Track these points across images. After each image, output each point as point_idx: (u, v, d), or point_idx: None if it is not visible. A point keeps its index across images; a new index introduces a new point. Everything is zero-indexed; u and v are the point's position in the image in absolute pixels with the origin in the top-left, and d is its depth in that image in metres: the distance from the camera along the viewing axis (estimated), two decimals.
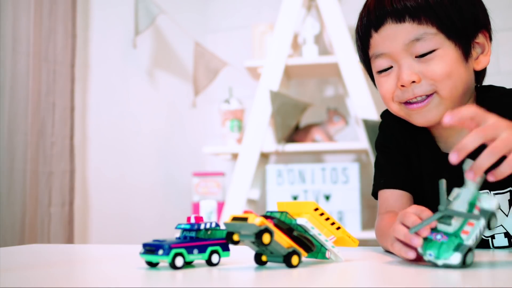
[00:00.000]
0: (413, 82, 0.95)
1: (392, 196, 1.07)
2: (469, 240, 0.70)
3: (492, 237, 1.01)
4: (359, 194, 2.31)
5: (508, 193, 1.01)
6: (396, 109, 1.01)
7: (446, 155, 1.03)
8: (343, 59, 2.33)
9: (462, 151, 0.72)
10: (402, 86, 0.96)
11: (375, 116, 2.25)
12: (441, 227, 0.72)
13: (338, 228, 0.79)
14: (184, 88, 2.84)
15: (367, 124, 2.25)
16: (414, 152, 1.08)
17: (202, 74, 2.63)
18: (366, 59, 1.05)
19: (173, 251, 0.73)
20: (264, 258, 0.76)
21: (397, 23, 0.95)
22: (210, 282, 0.67)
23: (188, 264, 0.77)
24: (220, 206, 2.44)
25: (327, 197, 2.34)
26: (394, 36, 0.96)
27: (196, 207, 2.50)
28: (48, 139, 2.09)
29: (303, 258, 0.77)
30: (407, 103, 0.99)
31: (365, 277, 0.72)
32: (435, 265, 0.72)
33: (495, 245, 1.01)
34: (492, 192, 1.01)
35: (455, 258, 0.68)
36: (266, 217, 0.74)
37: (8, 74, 1.95)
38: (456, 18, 0.95)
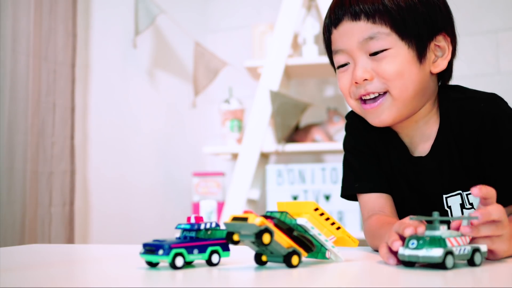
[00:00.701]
0: (366, 79, 0.98)
1: (371, 199, 1.08)
2: (453, 248, 0.70)
3: None
4: None
5: None
6: (354, 105, 1.04)
7: (416, 159, 1.05)
8: None
9: (486, 215, 0.73)
10: (356, 83, 1.00)
11: None
12: (428, 232, 0.72)
13: (338, 228, 0.79)
14: (184, 88, 2.84)
15: None
16: (382, 150, 1.10)
17: (202, 74, 2.63)
18: (330, 56, 1.08)
19: (173, 251, 0.73)
20: (264, 258, 0.76)
21: (353, 21, 0.99)
22: (210, 282, 0.67)
23: (188, 264, 0.77)
24: (220, 206, 2.44)
25: (327, 197, 2.34)
26: (350, 33, 0.99)
27: (196, 207, 2.50)
28: (48, 139, 2.09)
29: (303, 258, 0.77)
30: (362, 101, 1.01)
31: (365, 277, 0.72)
32: (408, 264, 0.71)
33: None
34: (465, 193, 1.01)
35: (437, 251, 0.68)
36: (266, 217, 0.74)
37: (8, 74, 1.95)
38: (410, 20, 0.98)
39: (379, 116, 1.00)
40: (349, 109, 2.13)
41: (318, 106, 2.68)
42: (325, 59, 2.41)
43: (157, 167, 2.72)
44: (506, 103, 1.01)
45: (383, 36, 0.97)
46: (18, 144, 1.96)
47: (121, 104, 2.55)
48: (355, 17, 0.99)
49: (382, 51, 0.97)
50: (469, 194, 1.01)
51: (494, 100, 1.01)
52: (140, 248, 0.76)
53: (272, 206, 2.35)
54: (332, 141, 2.42)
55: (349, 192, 1.12)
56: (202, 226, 0.77)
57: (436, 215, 0.72)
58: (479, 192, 0.74)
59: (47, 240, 2.06)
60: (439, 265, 0.69)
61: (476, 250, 0.72)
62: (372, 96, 1.00)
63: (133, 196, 2.56)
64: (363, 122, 1.09)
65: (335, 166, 2.35)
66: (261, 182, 2.58)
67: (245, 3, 3.02)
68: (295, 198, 2.36)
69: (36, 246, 1.19)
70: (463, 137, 1.01)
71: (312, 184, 2.35)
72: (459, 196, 1.02)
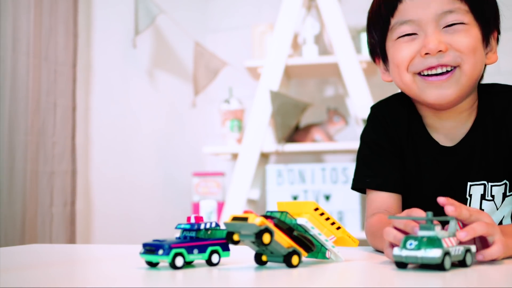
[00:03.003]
0: (440, 51, 0.95)
1: (379, 198, 1.06)
2: (449, 248, 0.69)
3: None
4: (359, 194, 2.31)
5: (503, 186, 1.02)
6: (409, 80, 0.99)
7: (446, 149, 1.04)
8: (343, 59, 2.33)
9: (471, 232, 0.73)
10: (427, 53, 0.95)
11: None
12: (423, 232, 0.71)
13: (338, 228, 0.79)
14: (184, 88, 2.84)
15: None
16: (410, 148, 1.08)
17: (202, 74, 2.63)
18: (382, 28, 1.03)
19: (173, 251, 0.73)
20: (264, 258, 0.76)
21: None
22: (210, 282, 0.67)
23: (188, 264, 0.77)
24: (220, 206, 2.44)
25: (327, 197, 2.34)
26: (427, 4, 0.96)
27: (196, 207, 2.50)
28: (49, 139, 2.09)
29: (303, 258, 0.77)
30: (423, 76, 0.97)
31: (365, 277, 0.72)
32: (401, 264, 0.71)
33: None
34: (490, 184, 1.01)
35: (436, 252, 0.68)
36: (266, 217, 0.74)
37: (8, 74, 1.95)
38: (486, 6, 0.99)
39: (445, 89, 0.96)
40: (349, 110, 2.13)
41: (318, 106, 2.68)
42: (325, 59, 2.41)
43: (157, 167, 2.72)
44: None
45: (463, 11, 0.96)
46: (19, 144, 1.96)
47: (122, 104, 2.55)
48: None
49: (459, 24, 0.96)
50: (494, 186, 1.01)
51: None
52: (140, 248, 0.76)
53: (272, 206, 2.35)
54: (332, 141, 2.42)
55: (359, 185, 1.10)
56: (202, 226, 0.77)
57: (429, 215, 0.72)
58: (454, 212, 0.73)
59: (48, 240, 2.06)
60: (436, 266, 0.68)
61: (467, 250, 0.72)
62: (441, 70, 0.96)
63: (134, 196, 2.56)
64: (391, 116, 1.08)
65: (335, 166, 2.35)
66: (261, 182, 2.58)
67: (245, 3, 3.02)
68: (295, 198, 2.36)
69: (36, 246, 1.19)
70: (504, 128, 1.00)
71: (312, 184, 2.35)
72: (482, 186, 1.02)
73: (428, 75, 0.97)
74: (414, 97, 1.03)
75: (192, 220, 0.78)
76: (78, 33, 2.24)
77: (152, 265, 0.76)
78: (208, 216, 2.42)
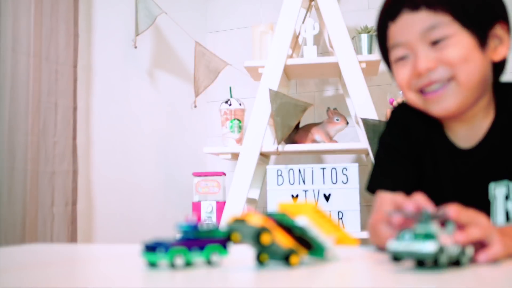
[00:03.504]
0: (430, 69, 0.96)
1: (387, 199, 1.06)
2: (445, 245, 0.69)
3: None
4: (359, 194, 2.31)
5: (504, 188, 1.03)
6: (414, 98, 1.02)
7: (464, 151, 1.05)
8: (343, 59, 2.33)
9: (469, 237, 0.73)
10: (419, 74, 0.97)
11: (375, 116, 2.25)
12: (420, 227, 0.71)
13: (338, 228, 0.79)
14: (185, 88, 2.84)
15: (367, 124, 2.25)
16: (428, 151, 1.08)
17: (203, 74, 2.63)
18: (384, 52, 1.06)
19: (173, 251, 0.73)
20: (264, 258, 0.76)
21: (413, 12, 0.97)
22: (210, 282, 0.67)
23: (188, 264, 0.77)
24: (220, 206, 2.44)
25: (327, 197, 2.34)
26: (410, 25, 0.97)
27: (196, 207, 2.50)
28: (50, 139, 2.09)
29: (303, 258, 0.77)
30: (423, 92, 0.99)
31: (365, 277, 0.72)
32: (396, 258, 0.71)
33: None
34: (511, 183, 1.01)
35: (432, 246, 0.67)
36: (266, 217, 0.74)
37: (8, 74, 1.95)
38: (471, 7, 0.97)
39: (443, 103, 0.98)
40: (349, 110, 2.14)
41: (318, 106, 2.68)
42: (325, 59, 2.41)
43: (158, 167, 2.72)
44: None
45: (445, 24, 0.96)
46: (19, 144, 1.96)
47: (122, 104, 2.55)
48: (415, 7, 0.97)
49: (444, 39, 0.96)
50: None
51: None
52: (138, 248, 0.76)
53: (272, 206, 2.35)
54: (332, 141, 2.42)
55: (372, 187, 1.11)
56: (202, 226, 0.78)
57: (425, 213, 0.72)
58: (454, 215, 0.73)
59: (49, 240, 2.06)
60: (433, 262, 0.68)
61: (463, 250, 0.72)
62: (435, 86, 0.98)
63: (135, 195, 2.56)
64: (411, 119, 1.09)
65: (335, 166, 2.35)
66: (261, 182, 2.58)
67: (245, 3, 3.02)
68: (296, 196, 2.36)
69: (36, 246, 1.19)
70: None
71: (312, 184, 2.35)
72: (505, 187, 1.02)
73: (426, 92, 0.99)
74: (422, 111, 1.04)
75: (192, 220, 0.79)
76: (78, 33, 2.24)
77: (152, 265, 0.76)
78: (208, 216, 2.42)
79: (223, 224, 0.75)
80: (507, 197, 1.01)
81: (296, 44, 2.56)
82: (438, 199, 1.07)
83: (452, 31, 0.96)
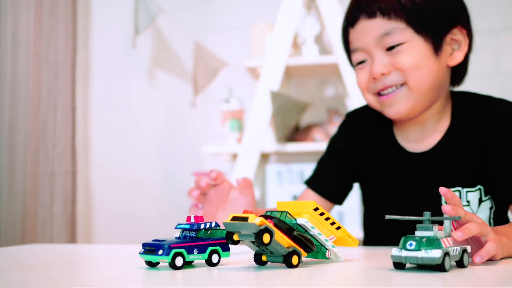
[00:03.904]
0: (383, 74, 1.02)
1: (307, 196, 1.16)
2: (448, 248, 0.69)
3: None
4: (358, 194, 2.31)
5: (478, 191, 1.05)
6: (372, 100, 1.07)
7: (413, 154, 1.08)
8: (343, 59, 2.32)
9: (466, 232, 0.73)
10: (374, 78, 1.03)
11: None
12: (422, 233, 0.71)
13: (338, 228, 0.79)
14: (184, 88, 2.84)
15: None
16: (379, 154, 1.12)
17: (202, 74, 2.63)
18: (349, 56, 1.12)
19: (173, 251, 0.73)
20: (264, 258, 0.76)
21: (369, 19, 1.03)
22: (210, 282, 0.67)
23: (188, 264, 0.77)
24: None
25: None
26: (366, 31, 1.03)
27: (196, 207, 2.49)
28: (49, 139, 2.09)
29: (303, 258, 0.77)
30: (380, 95, 1.05)
31: (365, 277, 0.72)
32: (399, 265, 0.70)
33: None
34: (464, 190, 1.04)
35: (436, 252, 0.67)
36: (266, 217, 0.74)
37: (8, 74, 1.95)
38: (425, 15, 1.01)
39: (396, 106, 1.03)
40: (350, 109, 2.15)
41: (318, 106, 2.68)
42: (325, 59, 2.41)
43: (157, 166, 2.72)
44: None
45: (399, 31, 1.00)
46: (19, 144, 1.96)
47: (122, 104, 2.55)
48: (371, 15, 1.02)
49: (398, 45, 1.00)
50: (469, 191, 1.04)
51: (510, 104, 1.05)
52: (137, 248, 0.76)
53: (272, 206, 2.35)
54: None
55: (307, 182, 1.20)
56: (202, 226, 0.77)
57: (427, 215, 0.71)
58: (447, 193, 0.75)
59: (49, 240, 2.06)
60: (436, 267, 0.68)
61: (464, 251, 0.72)
62: (390, 90, 1.03)
63: (134, 195, 2.56)
64: (362, 124, 1.14)
65: None
66: (261, 182, 2.58)
67: (245, 3, 3.02)
68: (295, 198, 2.36)
69: (36, 246, 1.19)
70: (476, 136, 1.04)
71: None
72: (458, 192, 1.04)
73: (381, 94, 1.05)
74: (380, 112, 1.09)
75: (192, 220, 0.78)
76: (77, 33, 2.24)
77: (152, 265, 0.76)
78: None
79: (222, 224, 0.75)
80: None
81: (296, 44, 2.56)
82: (391, 202, 1.10)
83: (406, 37, 1.00)
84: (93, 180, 2.38)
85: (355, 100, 2.31)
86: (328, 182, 1.15)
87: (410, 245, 0.68)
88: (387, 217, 0.75)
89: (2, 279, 0.67)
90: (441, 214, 0.73)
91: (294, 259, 0.73)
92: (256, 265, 0.77)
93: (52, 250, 1.10)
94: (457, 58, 1.06)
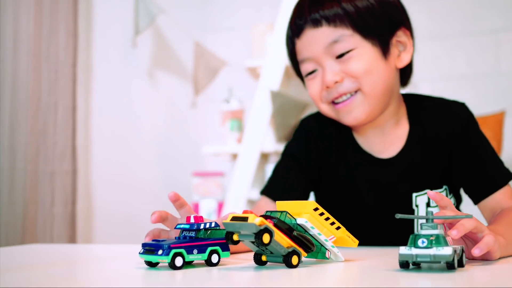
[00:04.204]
0: (336, 82, 1.01)
1: (267, 205, 1.10)
2: (453, 246, 0.69)
3: None
4: None
5: (445, 191, 1.07)
6: (326, 110, 1.07)
7: (380, 160, 1.08)
8: None
9: (461, 229, 0.72)
10: (327, 87, 1.02)
11: None
12: (428, 231, 0.71)
13: (338, 228, 0.79)
14: (184, 88, 2.84)
15: None
16: (339, 162, 1.11)
17: (202, 74, 2.63)
18: (296, 66, 1.11)
19: (173, 251, 0.73)
20: (264, 258, 0.76)
21: (315, 28, 1.02)
22: (210, 282, 0.67)
23: (187, 264, 0.77)
24: (220, 206, 2.44)
25: None
26: (313, 40, 1.02)
27: (196, 207, 2.50)
28: (50, 139, 2.09)
29: (303, 258, 0.77)
30: (334, 103, 1.04)
31: (365, 277, 0.72)
32: (404, 265, 0.70)
33: None
34: (433, 191, 1.04)
35: (448, 249, 0.67)
36: (265, 217, 0.74)
37: (9, 74, 1.95)
38: (370, 20, 1.01)
39: (353, 113, 1.03)
40: None
41: None
42: None
43: (158, 166, 2.72)
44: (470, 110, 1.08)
45: (347, 37, 1.01)
46: (19, 144, 1.96)
47: (122, 104, 2.55)
48: (316, 23, 1.01)
49: (348, 52, 1.01)
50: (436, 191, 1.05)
51: (463, 105, 1.08)
52: (137, 248, 0.76)
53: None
54: None
55: (264, 191, 1.15)
56: (202, 226, 0.77)
57: (430, 213, 0.71)
58: (436, 196, 0.76)
59: (49, 240, 2.06)
60: (447, 265, 0.68)
61: (463, 250, 0.72)
62: (344, 97, 1.03)
63: (134, 195, 2.56)
64: (320, 130, 1.12)
65: None
66: (261, 182, 2.58)
67: (245, 3, 3.02)
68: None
69: (36, 246, 1.19)
70: (438, 138, 1.06)
71: None
72: (426, 195, 1.06)
73: (336, 102, 1.04)
74: (336, 120, 1.08)
75: (192, 220, 0.78)
76: (78, 33, 2.24)
77: (152, 265, 0.76)
78: (208, 216, 2.42)
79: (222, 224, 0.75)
80: (428, 205, 1.06)
81: None
82: (360, 208, 1.09)
83: (354, 43, 1.01)
84: (94, 180, 2.38)
85: None
86: (289, 191, 1.11)
87: (423, 242, 0.68)
88: (398, 216, 0.74)
89: (2, 279, 0.67)
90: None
91: (294, 259, 0.73)
92: (256, 265, 0.77)
93: (52, 250, 1.10)
94: (405, 59, 1.06)
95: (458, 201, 1.11)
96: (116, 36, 2.53)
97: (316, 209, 0.77)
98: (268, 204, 1.11)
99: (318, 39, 1.02)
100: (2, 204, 1.91)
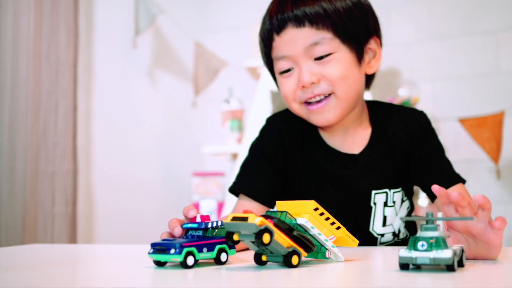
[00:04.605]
0: (313, 83, 1.03)
1: (247, 205, 1.11)
2: (453, 248, 0.69)
3: (382, 235, 1.10)
4: None
5: (401, 192, 1.11)
6: (297, 109, 1.08)
7: (345, 156, 1.11)
8: None
9: (504, 223, 0.76)
10: (303, 87, 1.04)
11: None
12: (428, 233, 0.71)
13: (338, 228, 0.79)
14: (184, 88, 2.84)
15: None
16: (304, 158, 1.13)
17: (202, 74, 2.63)
18: (269, 61, 1.12)
19: (185, 250, 0.73)
20: (264, 258, 0.76)
21: (297, 28, 1.03)
22: (210, 282, 0.67)
23: (196, 263, 0.77)
24: (220, 206, 2.44)
25: None
26: (294, 40, 1.04)
27: (196, 207, 2.49)
28: (51, 139, 2.09)
29: (303, 258, 0.77)
30: (307, 103, 1.06)
31: (365, 277, 0.72)
32: (404, 266, 0.70)
33: (382, 241, 1.10)
34: (391, 191, 1.09)
35: (448, 252, 0.67)
36: (265, 217, 0.74)
37: (9, 74, 1.95)
38: (350, 24, 1.04)
39: (325, 115, 1.06)
40: None
41: None
42: None
43: (158, 166, 2.72)
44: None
45: (327, 41, 1.03)
46: (20, 144, 1.96)
47: (122, 104, 2.55)
48: (299, 23, 1.03)
49: (327, 55, 1.03)
50: (395, 192, 1.10)
51: (421, 112, 1.14)
52: (139, 248, 0.76)
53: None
54: None
55: (236, 190, 1.16)
56: (210, 225, 0.78)
57: (430, 215, 0.71)
58: (439, 191, 0.77)
59: (50, 240, 2.06)
60: (447, 267, 0.68)
61: (462, 250, 0.72)
62: (318, 98, 1.04)
63: (135, 195, 2.57)
64: (287, 127, 1.14)
65: None
66: None
67: (245, 3, 3.02)
68: None
69: (36, 246, 1.19)
70: (398, 141, 1.10)
71: None
72: (384, 194, 1.09)
73: (310, 103, 1.06)
74: (305, 120, 1.11)
75: (198, 219, 0.79)
76: (79, 33, 2.24)
77: (160, 264, 0.76)
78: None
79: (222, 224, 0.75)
80: (386, 204, 1.09)
81: None
82: (321, 201, 1.10)
83: (334, 47, 1.03)
84: (94, 180, 2.38)
85: None
86: (261, 188, 1.12)
87: (422, 245, 0.68)
88: (403, 219, 0.74)
89: (2, 279, 0.67)
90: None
91: (294, 259, 0.73)
92: (256, 265, 0.77)
93: (52, 250, 1.10)
94: (374, 66, 1.10)
95: (411, 207, 1.15)
96: (117, 36, 2.53)
97: (316, 209, 0.77)
98: (245, 203, 1.12)
99: (300, 39, 1.03)
100: (2, 204, 1.91)
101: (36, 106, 2.02)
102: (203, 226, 0.77)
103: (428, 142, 1.11)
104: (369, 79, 1.14)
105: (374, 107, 1.16)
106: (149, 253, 0.76)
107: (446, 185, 1.05)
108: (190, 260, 0.73)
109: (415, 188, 1.17)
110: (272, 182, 1.12)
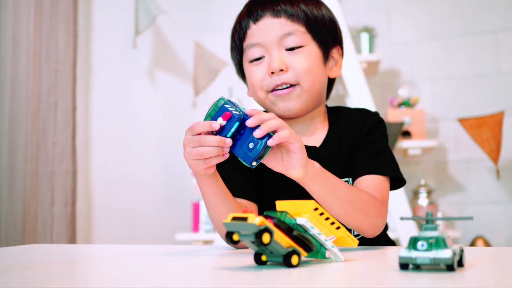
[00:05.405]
0: (282, 70, 1.09)
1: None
2: (453, 248, 0.69)
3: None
4: None
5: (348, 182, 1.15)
6: (263, 97, 1.14)
7: (307, 147, 1.12)
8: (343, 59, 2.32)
9: (263, 128, 0.89)
10: (272, 73, 1.10)
11: None
12: (428, 233, 0.71)
13: (338, 227, 0.79)
14: (184, 88, 2.84)
15: None
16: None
17: (202, 74, 2.63)
18: (239, 50, 1.18)
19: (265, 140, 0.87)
20: (264, 258, 0.76)
21: (274, 18, 1.11)
22: (210, 282, 0.67)
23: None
24: None
25: None
26: (270, 28, 1.11)
27: (196, 207, 2.50)
28: (50, 138, 2.09)
29: (303, 258, 0.77)
30: (274, 90, 1.12)
31: (365, 277, 0.72)
32: (404, 266, 0.70)
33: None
34: (351, 179, 1.14)
35: (447, 252, 0.67)
36: (266, 217, 0.74)
37: (9, 74, 1.95)
38: (321, 26, 1.14)
39: (289, 103, 1.12)
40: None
41: None
42: None
43: (158, 167, 2.72)
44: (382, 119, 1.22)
45: (300, 33, 1.11)
46: (19, 144, 1.96)
47: (122, 104, 2.55)
48: (277, 14, 1.11)
49: (298, 47, 1.11)
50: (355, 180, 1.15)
51: (376, 113, 1.21)
52: (139, 248, 0.76)
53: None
54: None
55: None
56: (242, 109, 0.88)
57: (429, 215, 0.71)
58: (251, 111, 0.88)
59: (49, 240, 2.06)
60: (446, 267, 0.68)
61: (462, 250, 0.72)
62: (284, 86, 1.11)
63: (134, 195, 2.56)
64: None
65: None
66: None
67: (245, 3, 3.02)
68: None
69: (36, 246, 1.19)
70: (350, 134, 1.18)
71: None
72: (346, 182, 1.13)
73: (276, 90, 1.12)
74: (268, 111, 1.16)
75: (223, 121, 0.93)
76: (78, 33, 2.24)
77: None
78: (208, 216, 2.42)
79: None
80: None
81: None
82: (281, 194, 1.11)
83: (306, 41, 1.11)
84: (93, 180, 2.38)
85: (355, 100, 2.31)
86: (248, 186, 1.15)
87: (422, 245, 0.68)
88: (403, 219, 0.74)
89: (2, 279, 0.67)
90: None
91: (294, 259, 0.73)
92: (256, 265, 0.77)
93: (52, 250, 1.10)
94: (336, 72, 1.19)
95: None
96: (116, 36, 2.53)
97: (316, 209, 0.77)
98: (242, 202, 1.14)
99: (275, 28, 1.10)
100: (2, 204, 1.91)
101: (36, 106, 2.02)
102: (239, 115, 0.89)
103: (372, 136, 1.17)
104: (330, 85, 1.22)
105: (333, 109, 1.25)
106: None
107: (368, 171, 1.10)
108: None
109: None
110: (250, 179, 1.15)
